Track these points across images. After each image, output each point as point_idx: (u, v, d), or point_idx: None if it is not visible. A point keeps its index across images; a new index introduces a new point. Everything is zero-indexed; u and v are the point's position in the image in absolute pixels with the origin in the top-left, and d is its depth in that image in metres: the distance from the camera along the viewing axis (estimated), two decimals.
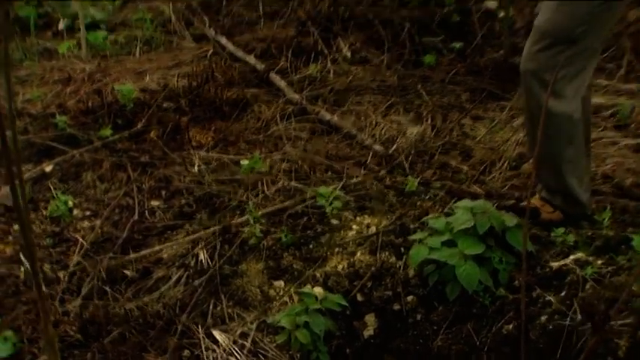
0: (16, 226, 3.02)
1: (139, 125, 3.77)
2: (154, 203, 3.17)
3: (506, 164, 3.27)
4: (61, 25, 4.83)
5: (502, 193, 3.04)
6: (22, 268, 2.72)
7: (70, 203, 3.13)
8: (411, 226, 2.68)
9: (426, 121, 3.73)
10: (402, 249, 2.57)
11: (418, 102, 3.92)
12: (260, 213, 2.81)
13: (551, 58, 2.51)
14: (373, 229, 2.71)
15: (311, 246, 2.65)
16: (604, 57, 4.06)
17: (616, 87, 4.06)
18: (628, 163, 3.34)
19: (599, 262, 2.41)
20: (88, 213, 3.12)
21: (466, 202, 2.49)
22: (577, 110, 2.58)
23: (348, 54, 4.44)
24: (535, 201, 2.76)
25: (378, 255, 2.56)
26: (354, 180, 3.10)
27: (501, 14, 4.80)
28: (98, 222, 3.02)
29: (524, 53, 2.60)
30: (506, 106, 3.87)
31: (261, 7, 5.08)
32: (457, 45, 4.47)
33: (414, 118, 3.79)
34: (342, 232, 2.72)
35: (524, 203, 2.79)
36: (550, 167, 2.66)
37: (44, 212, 3.13)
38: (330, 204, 2.78)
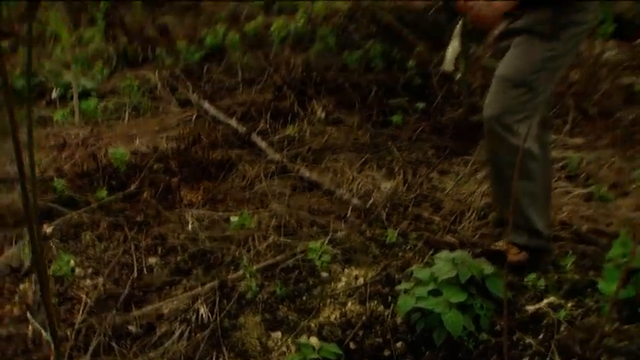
0: (22, 286, 2.96)
1: (133, 186, 3.74)
2: (152, 260, 3.13)
3: (474, 214, 3.32)
4: (54, 94, 4.82)
5: (473, 241, 3.09)
6: (30, 327, 2.66)
7: (72, 263, 3.07)
8: (396, 276, 2.70)
9: (398, 175, 3.77)
10: (389, 298, 2.58)
11: (389, 158, 3.97)
12: (255, 268, 2.80)
13: (511, 103, 2.67)
14: (361, 280, 2.71)
15: (304, 298, 2.65)
16: (551, 114, 4.17)
17: (564, 141, 4.17)
18: (582, 211, 3.43)
19: (570, 304, 2.46)
20: (89, 271, 3.07)
21: (447, 254, 2.52)
22: (534, 147, 2.71)
23: (322, 115, 4.49)
24: (501, 245, 2.82)
25: (367, 305, 2.56)
26: (339, 234, 3.11)
27: (457, 76, 4.91)
28: (100, 280, 2.97)
29: (487, 100, 2.76)
30: (470, 160, 3.95)
31: (239, 74, 5.11)
32: (420, 105, 4.55)
33: (387, 173, 3.83)
34: (332, 284, 2.72)
35: (492, 247, 2.87)
36: (510, 203, 2.74)
37: (47, 272, 3.07)
38: (320, 258, 2.79)
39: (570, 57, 2.81)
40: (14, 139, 1.98)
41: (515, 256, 2.77)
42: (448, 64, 5.09)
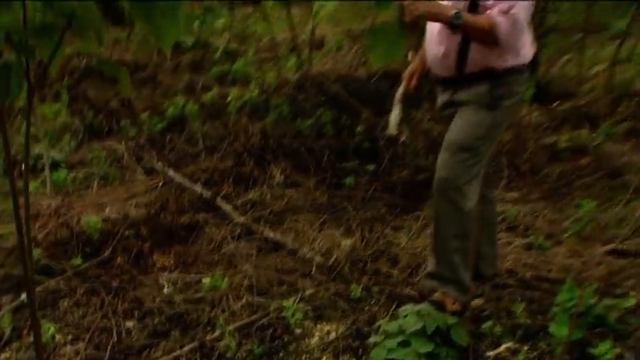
0: (3, 355, 2.85)
1: (106, 253, 3.65)
2: (129, 324, 3.05)
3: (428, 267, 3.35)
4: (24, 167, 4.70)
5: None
6: None
7: (52, 330, 2.96)
8: (365, 330, 2.71)
9: (356, 233, 3.80)
10: (361, 351, 2.59)
11: (346, 217, 4.00)
12: (231, 327, 2.77)
13: (459, 167, 2.78)
14: (333, 334, 2.71)
15: (281, 355, 2.62)
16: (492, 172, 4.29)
17: (502, 195, 4.28)
18: (524, 259, 3.51)
19: (525, 348, 2.52)
20: (69, 337, 2.96)
21: (411, 307, 2.56)
22: (476, 209, 2.83)
23: (281, 179, 4.50)
24: (438, 295, 2.89)
25: (340, 358, 2.56)
26: (307, 292, 3.11)
27: (402, 139, 5.02)
28: (81, 345, 2.88)
29: (438, 165, 2.88)
30: (420, 216, 4.02)
31: (201, 142, 5.10)
32: (370, 167, 4.62)
33: (345, 231, 3.85)
34: (306, 339, 2.70)
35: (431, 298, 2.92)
36: (447, 259, 2.87)
37: (28, 340, 2.97)
38: (293, 315, 2.78)
39: (508, 123, 2.95)
40: (16, 216, 1.94)
41: (452, 306, 2.84)
42: (392, 129, 5.21)
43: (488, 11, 2.61)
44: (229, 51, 8.18)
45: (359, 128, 5.05)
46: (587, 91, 6.11)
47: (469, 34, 2.64)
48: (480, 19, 2.61)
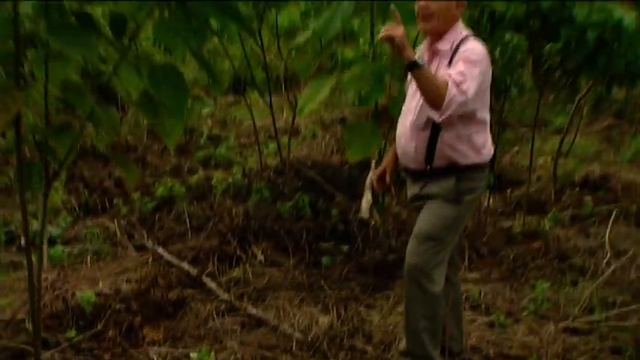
0: None
1: (99, 326, 3.55)
2: None
3: (400, 343, 3.33)
4: (24, 241, 4.61)
5: None
6: None
7: None
8: None
9: (332, 310, 3.76)
10: None
11: (324, 295, 3.98)
12: None
13: (428, 254, 2.85)
14: None
15: None
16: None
17: (464, 276, 4.31)
18: (487, 336, 3.53)
19: None
20: None
21: None
22: (442, 292, 2.90)
23: (262, 258, 4.48)
24: None
25: None
26: None
27: (372, 223, 5.06)
28: None
29: (408, 251, 2.94)
30: (390, 295, 4.01)
31: (187, 222, 5.07)
32: (344, 248, 4.62)
33: (323, 309, 3.82)
34: None
35: None
36: (417, 337, 2.92)
37: None
38: None
39: (470, 214, 3.02)
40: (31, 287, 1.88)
41: None
42: (364, 212, 5.28)
43: (445, 72, 2.67)
44: (212, 136, 8.28)
45: (334, 211, 5.07)
46: (535, 180, 6.28)
47: (420, 84, 2.61)
48: (437, 75, 2.64)
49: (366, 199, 5.53)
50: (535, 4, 3.78)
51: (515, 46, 3.64)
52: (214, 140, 8.10)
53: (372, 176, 6.12)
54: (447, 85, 2.58)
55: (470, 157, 2.84)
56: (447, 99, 2.57)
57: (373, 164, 6.38)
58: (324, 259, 4.45)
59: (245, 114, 7.81)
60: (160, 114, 1.90)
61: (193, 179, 6.23)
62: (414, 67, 2.57)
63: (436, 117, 2.68)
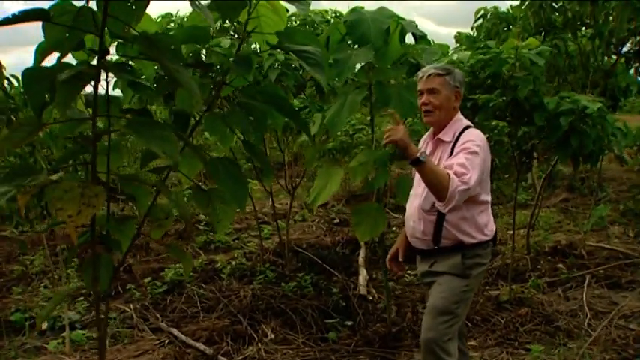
0: None
1: None
2: None
3: None
4: (45, 326, 4.44)
5: None
6: None
7: None
8: None
9: None
10: None
11: None
12: None
13: (442, 327, 2.79)
14: None
15: None
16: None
17: None
18: None
19: None
20: None
21: None
22: None
23: (273, 336, 4.34)
24: None
25: None
26: None
27: (370, 298, 4.98)
28: None
29: (423, 326, 2.90)
30: None
31: (198, 304, 4.92)
32: (349, 323, 4.52)
33: None
34: None
35: None
36: None
37: None
38: None
39: (476, 287, 2.97)
40: None
41: None
42: (362, 289, 5.20)
43: (448, 163, 2.66)
44: (209, 222, 8.20)
45: (334, 289, 4.99)
46: (509, 250, 6.31)
47: (424, 178, 2.58)
48: (439, 169, 2.59)
49: (362, 275, 5.48)
50: (512, 94, 3.93)
51: (500, 131, 3.76)
52: (211, 226, 8.03)
53: (363, 254, 6.09)
54: (450, 178, 2.55)
55: (474, 236, 2.83)
56: (450, 191, 2.54)
57: (363, 244, 6.36)
58: (331, 334, 4.33)
59: None
60: (212, 204, 1.88)
61: (197, 262, 6.11)
62: (417, 163, 2.54)
63: (441, 208, 2.68)
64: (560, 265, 5.83)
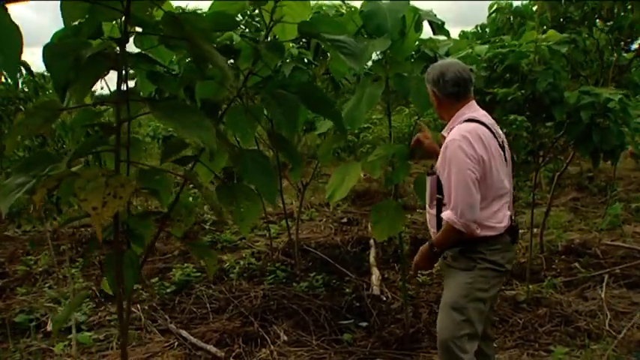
0: None
1: None
2: None
3: None
4: (50, 328, 4.33)
5: None
6: None
7: None
8: None
9: None
10: None
11: None
12: None
13: (454, 324, 2.74)
14: None
15: None
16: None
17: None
18: None
19: None
20: None
21: None
22: None
23: (285, 337, 4.23)
24: None
25: None
26: None
27: (384, 298, 4.87)
28: None
29: (438, 327, 2.88)
30: None
31: (207, 305, 4.81)
32: (364, 324, 4.41)
33: None
34: None
35: None
36: None
37: None
38: None
39: (492, 293, 2.81)
40: None
41: None
42: (375, 289, 5.08)
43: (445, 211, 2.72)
44: (215, 222, 8.09)
45: (347, 289, 4.87)
46: (524, 250, 6.20)
47: (444, 242, 2.75)
48: (442, 229, 2.73)
49: (375, 275, 5.37)
50: (531, 88, 3.82)
51: (519, 125, 3.66)
52: (216, 225, 7.91)
53: (373, 254, 5.98)
54: (450, 221, 2.66)
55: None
56: (457, 228, 2.65)
57: (372, 244, 6.26)
58: (346, 336, 4.22)
59: None
60: (237, 201, 1.77)
61: (204, 262, 5.98)
62: (436, 252, 2.81)
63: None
64: (576, 265, 5.72)
